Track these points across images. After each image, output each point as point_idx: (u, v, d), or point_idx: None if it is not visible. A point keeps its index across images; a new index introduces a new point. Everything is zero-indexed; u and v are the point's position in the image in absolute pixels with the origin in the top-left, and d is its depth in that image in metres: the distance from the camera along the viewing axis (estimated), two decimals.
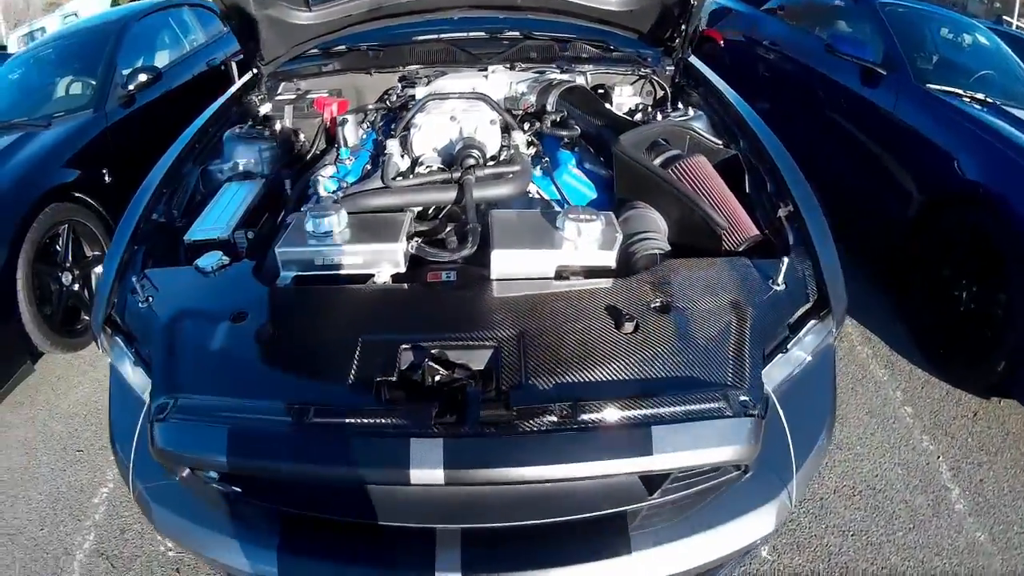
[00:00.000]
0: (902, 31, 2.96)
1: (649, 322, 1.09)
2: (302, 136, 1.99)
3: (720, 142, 1.62)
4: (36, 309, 2.30)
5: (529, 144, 1.68)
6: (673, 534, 1.02)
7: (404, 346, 1.04)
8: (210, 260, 1.28)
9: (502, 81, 1.93)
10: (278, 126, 1.91)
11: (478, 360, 1.04)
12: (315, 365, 1.08)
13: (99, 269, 2.62)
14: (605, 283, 1.19)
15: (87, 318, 2.57)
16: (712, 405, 0.97)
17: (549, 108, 1.77)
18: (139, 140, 2.97)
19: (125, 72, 3.07)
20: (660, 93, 2.14)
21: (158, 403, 1.03)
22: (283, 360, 1.10)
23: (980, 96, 2.69)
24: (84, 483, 2.00)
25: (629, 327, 1.07)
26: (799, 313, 1.20)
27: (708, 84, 2.01)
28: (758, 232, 1.37)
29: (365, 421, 0.96)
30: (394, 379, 0.99)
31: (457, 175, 1.41)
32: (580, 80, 1.99)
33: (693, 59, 2.20)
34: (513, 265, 1.22)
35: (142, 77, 3.00)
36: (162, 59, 3.57)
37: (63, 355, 2.50)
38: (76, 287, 2.56)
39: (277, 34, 2.05)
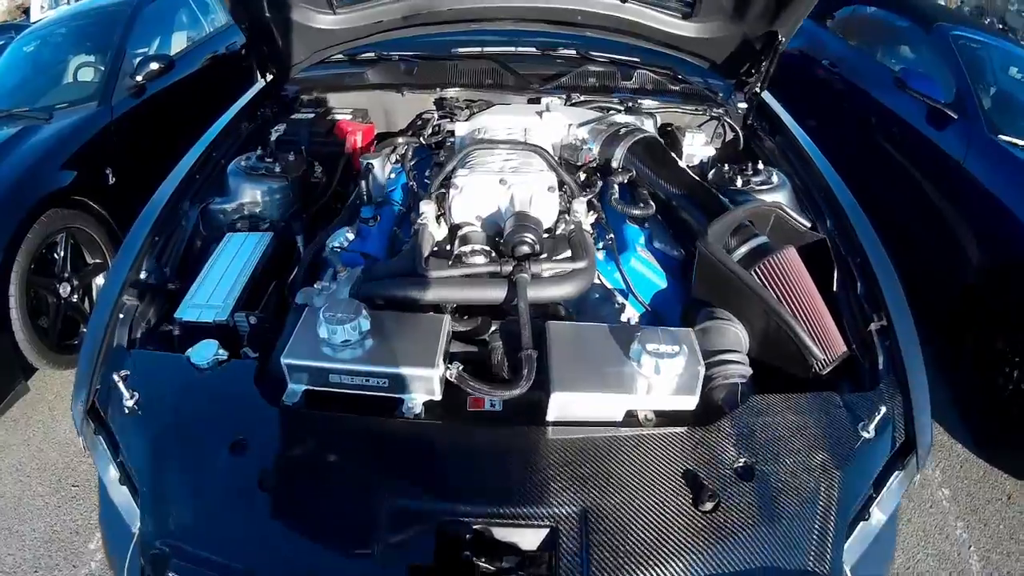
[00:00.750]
0: (975, 70, 2.72)
1: (731, 493, 0.93)
2: (319, 169, 1.74)
3: (807, 224, 1.40)
4: (31, 323, 2.13)
5: (589, 210, 1.45)
6: None
7: (442, 517, 0.87)
8: (205, 353, 1.07)
9: (559, 122, 1.68)
10: (292, 156, 1.67)
11: (530, 540, 0.88)
12: (330, 531, 0.89)
13: (100, 279, 2.45)
14: (681, 433, 1.00)
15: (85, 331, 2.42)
16: None
17: (615, 164, 1.54)
18: (148, 135, 2.78)
19: (136, 60, 2.83)
20: (731, 136, 1.93)
21: (152, 552, 0.88)
22: (290, 520, 0.91)
23: None
24: (79, 525, 1.88)
25: (709, 505, 0.90)
26: (883, 464, 1.04)
27: (785, 133, 1.81)
28: (846, 349, 1.19)
29: None
30: (431, 563, 0.83)
31: (508, 268, 1.18)
32: (649, 125, 1.77)
33: (767, 96, 2.00)
34: (575, 409, 1.03)
35: (153, 66, 2.77)
36: (179, 42, 3.32)
37: (60, 372, 2.35)
38: (75, 298, 2.38)
39: (296, 39, 1.85)
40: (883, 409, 1.03)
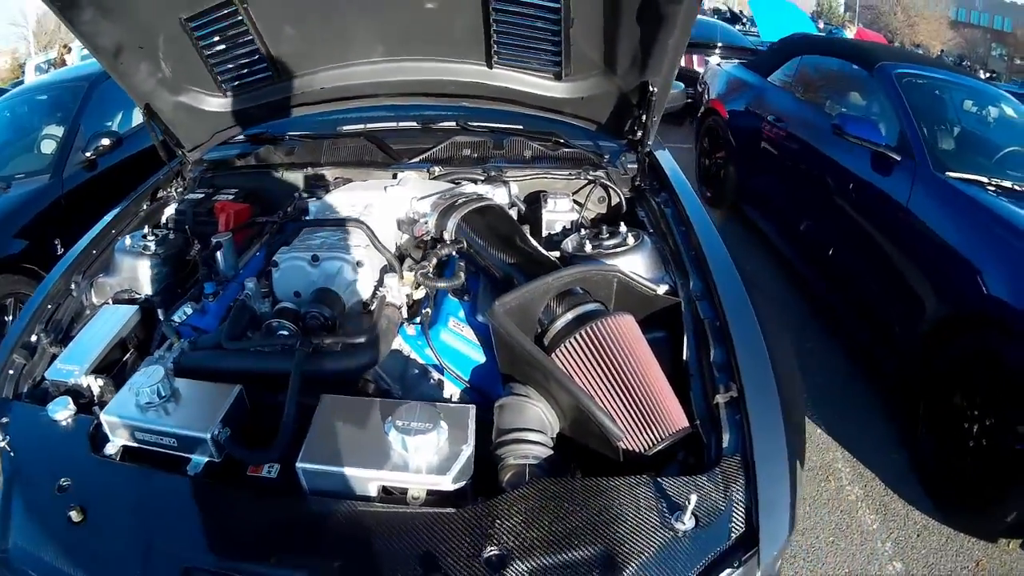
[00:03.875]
0: (922, 107, 2.60)
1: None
2: (196, 247, 1.76)
3: (655, 289, 1.32)
4: None
5: (417, 287, 1.44)
6: None
7: (188, 563, 0.92)
8: (57, 407, 1.20)
9: (403, 196, 1.67)
10: (171, 235, 1.73)
11: None
12: (97, 567, 0.98)
13: None
14: (437, 514, 0.95)
15: None
16: None
17: (447, 235, 1.50)
18: (96, 208, 2.87)
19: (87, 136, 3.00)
20: (616, 200, 1.86)
21: None
22: (73, 554, 0.99)
23: (1008, 184, 2.32)
24: None
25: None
26: (707, 560, 0.91)
27: (670, 192, 1.74)
28: (686, 425, 1.10)
29: None
30: None
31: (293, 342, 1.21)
32: (502, 194, 1.73)
33: (665, 154, 1.96)
34: (331, 482, 1.01)
35: (104, 141, 2.94)
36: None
37: None
38: None
39: (191, 121, 1.90)
40: (703, 496, 0.94)
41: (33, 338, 1.42)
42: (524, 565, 0.89)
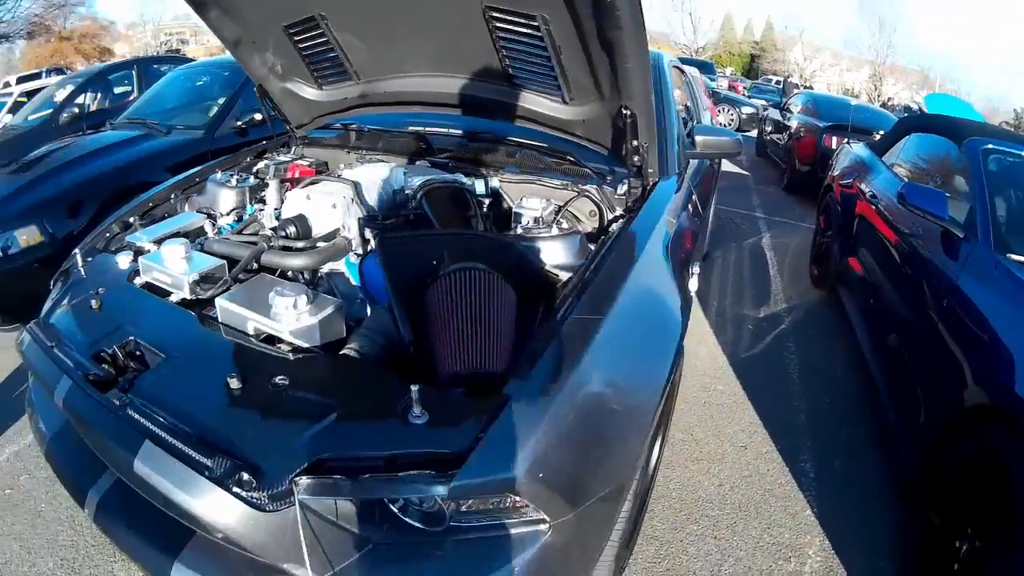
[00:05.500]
0: (1002, 185, 2.36)
1: (257, 390, 1.22)
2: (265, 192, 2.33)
3: (544, 266, 1.56)
4: None
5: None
6: None
7: (127, 337, 1.44)
8: (121, 255, 1.82)
9: (410, 176, 2.05)
10: (252, 181, 2.31)
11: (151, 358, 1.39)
12: (88, 335, 1.50)
13: None
14: (278, 351, 1.37)
15: None
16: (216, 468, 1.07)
17: (412, 204, 1.87)
18: None
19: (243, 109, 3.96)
20: (609, 216, 2.01)
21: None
22: (82, 320, 1.57)
23: None
24: None
25: (236, 384, 1.22)
26: (408, 451, 1.07)
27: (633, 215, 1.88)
28: (500, 370, 1.26)
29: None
30: (108, 352, 1.40)
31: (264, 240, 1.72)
32: (478, 184, 2.03)
33: (670, 188, 2.10)
34: (234, 316, 1.46)
35: (256, 116, 3.83)
36: None
37: None
38: None
39: (297, 105, 2.53)
40: (453, 412, 1.14)
41: (131, 219, 2.07)
42: (296, 394, 1.22)
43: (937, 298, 2.22)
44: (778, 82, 22.55)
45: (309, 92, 2.49)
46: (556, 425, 1.15)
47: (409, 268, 1.47)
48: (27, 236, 3.10)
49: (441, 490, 1.03)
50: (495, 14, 1.73)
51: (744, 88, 20.97)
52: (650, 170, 2.00)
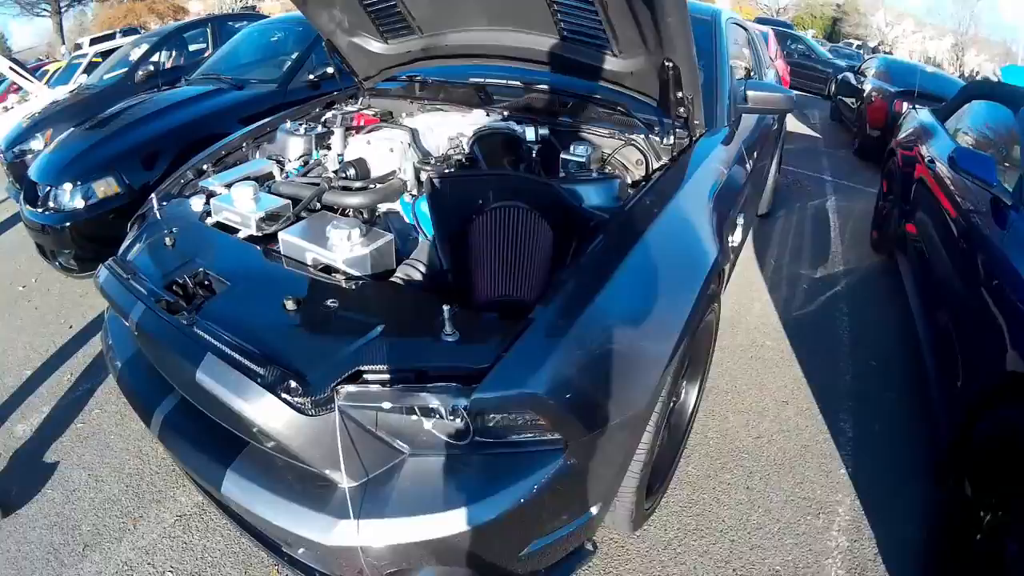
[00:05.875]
0: None
1: (310, 311, 1.36)
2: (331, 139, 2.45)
3: (580, 206, 1.65)
4: None
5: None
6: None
7: (197, 269, 1.59)
8: (195, 196, 1.98)
9: (464, 122, 2.17)
10: (319, 129, 2.44)
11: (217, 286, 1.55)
12: (161, 268, 1.66)
13: None
14: (332, 279, 1.51)
15: None
16: (268, 375, 1.20)
17: (466, 150, 1.98)
18: None
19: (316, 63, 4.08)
20: (655, 165, 2.08)
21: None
22: (156, 254, 1.74)
23: None
24: None
25: (291, 306, 1.36)
26: (438, 364, 1.18)
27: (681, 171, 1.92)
28: (527, 297, 1.37)
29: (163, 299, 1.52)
30: (180, 281, 1.57)
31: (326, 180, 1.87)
32: (528, 131, 2.11)
33: (717, 140, 2.14)
34: (294, 248, 1.62)
35: (328, 70, 3.88)
36: None
37: None
38: None
39: (364, 59, 2.65)
40: (480, 330, 1.25)
41: (204, 167, 2.23)
42: (344, 314, 1.37)
43: (984, 266, 2.16)
44: (859, 46, 21.38)
45: (375, 46, 2.59)
46: (574, 349, 1.23)
47: (455, 205, 1.60)
48: (104, 187, 3.37)
49: (463, 401, 1.13)
50: None
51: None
52: (696, 122, 2.05)
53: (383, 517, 1.17)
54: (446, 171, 1.73)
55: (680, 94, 1.93)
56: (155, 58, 5.51)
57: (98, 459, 2.27)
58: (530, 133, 2.12)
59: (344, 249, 1.53)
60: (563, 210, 1.61)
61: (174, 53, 5.89)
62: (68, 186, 3.33)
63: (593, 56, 2.12)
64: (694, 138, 2.09)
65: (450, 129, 2.15)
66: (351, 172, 1.90)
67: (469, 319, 1.28)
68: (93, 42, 12.66)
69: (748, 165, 2.50)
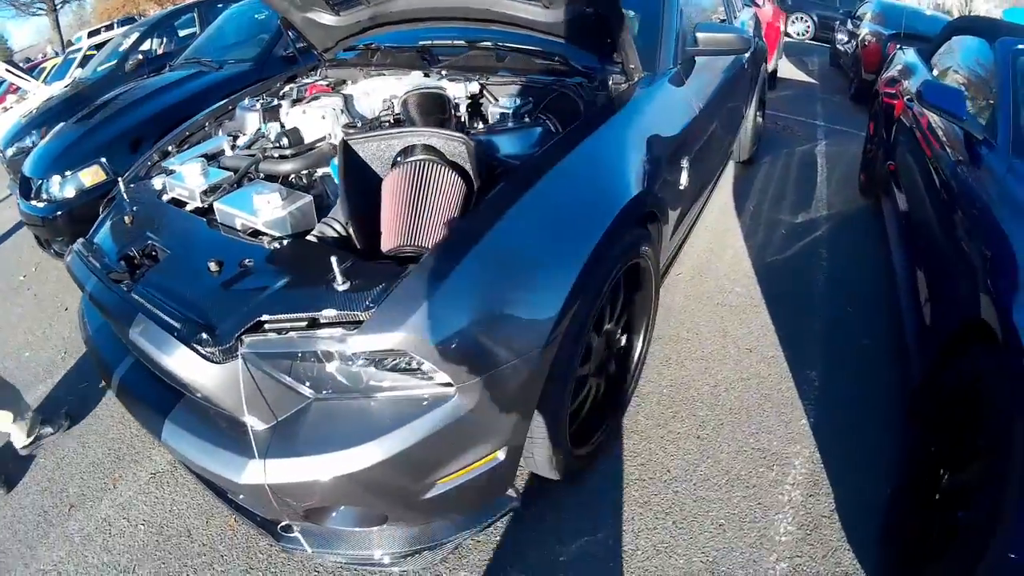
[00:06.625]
0: None
1: (229, 271, 1.46)
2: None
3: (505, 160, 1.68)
4: None
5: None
6: None
7: (147, 242, 1.68)
8: (155, 176, 2.07)
9: (401, 86, 2.20)
10: (275, 103, 2.48)
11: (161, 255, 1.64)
12: (118, 244, 1.77)
13: None
14: (256, 241, 1.59)
15: None
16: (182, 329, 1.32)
17: (396, 110, 2.02)
18: None
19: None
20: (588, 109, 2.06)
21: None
22: (117, 232, 1.85)
23: None
24: None
25: (214, 267, 1.45)
26: (320, 308, 1.25)
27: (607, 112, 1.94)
28: (421, 246, 1.44)
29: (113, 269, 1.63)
30: (131, 254, 1.66)
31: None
32: (457, 88, 2.13)
33: (660, 91, 2.15)
34: (227, 215, 1.68)
35: (301, 44, 3.98)
36: None
37: None
38: None
39: (319, 32, 2.68)
40: (369, 279, 1.31)
41: (169, 148, 2.31)
42: (256, 271, 1.45)
43: (958, 203, 2.10)
44: None
45: (326, 19, 2.61)
46: (457, 292, 1.28)
47: (363, 164, 1.67)
48: (91, 176, 3.58)
49: (345, 346, 1.21)
50: None
51: None
52: (631, 66, 2.05)
53: (287, 457, 1.26)
54: (352, 132, 1.78)
55: (609, 40, 1.95)
56: (145, 46, 5.65)
57: (86, 427, 2.45)
58: (458, 89, 2.14)
59: (266, 212, 1.60)
60: (478, 161, 1.63)
61: (164, 40, 6.00)
62: (57, 178, 3.53)
63: (526, 10, 2.12)
64: (632, 82, 2.08)
65: (385, 92, 2.18)
66: (284, 141, 1.96)
67: (365, 270, 1.35)
68: (91, 35, 12.86)
69: (702, 107, 2.47)
